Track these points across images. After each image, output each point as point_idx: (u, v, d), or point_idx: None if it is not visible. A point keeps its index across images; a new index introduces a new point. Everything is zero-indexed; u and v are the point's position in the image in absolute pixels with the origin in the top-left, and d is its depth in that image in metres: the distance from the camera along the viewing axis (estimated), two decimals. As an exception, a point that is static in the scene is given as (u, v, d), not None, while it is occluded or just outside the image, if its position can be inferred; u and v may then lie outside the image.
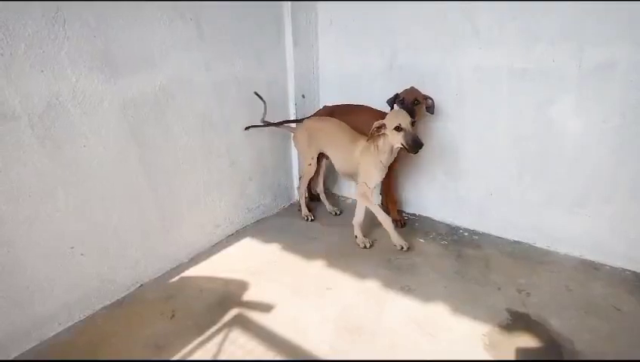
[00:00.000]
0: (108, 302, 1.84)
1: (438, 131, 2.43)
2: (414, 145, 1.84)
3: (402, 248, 2.22)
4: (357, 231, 2.34)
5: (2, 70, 1.37)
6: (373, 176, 2.14)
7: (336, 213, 2.78)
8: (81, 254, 1.70)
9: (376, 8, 2.45)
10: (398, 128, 1.87)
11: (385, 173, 2.17)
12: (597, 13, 1.77)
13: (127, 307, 1.84)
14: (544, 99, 2.01)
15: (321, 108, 2.69)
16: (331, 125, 2.31)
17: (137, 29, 1.76)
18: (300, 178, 2.82)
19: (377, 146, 2.04)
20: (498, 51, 2.08)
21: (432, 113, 2.24)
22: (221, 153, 2.33)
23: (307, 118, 2.56)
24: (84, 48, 1.58)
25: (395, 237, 2.23)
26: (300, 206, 2.78)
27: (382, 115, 2.46)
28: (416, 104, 2.16)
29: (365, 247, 2.29)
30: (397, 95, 2.26)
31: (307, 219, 2.70)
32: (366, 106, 2.55)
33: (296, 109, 2.84)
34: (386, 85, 2.55)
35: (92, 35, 1.59)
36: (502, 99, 2.14)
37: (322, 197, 2.84)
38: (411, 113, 2.04)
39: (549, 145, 2.07)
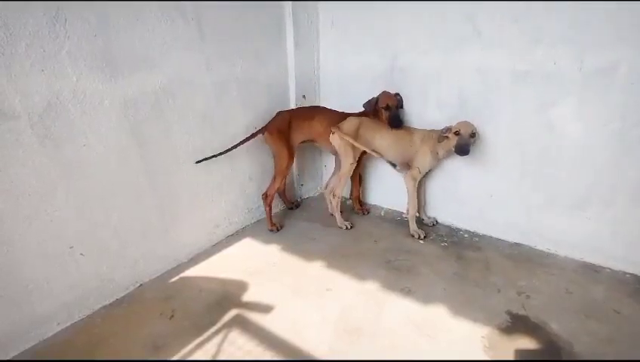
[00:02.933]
0: (107, 302, 1.84)
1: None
2: (459, 150, 2.08)
3: (419, 236, 2.40)
4: (412, 224, 2.46)
5: (3, 69, 1.37)
6: (427, 162, 2.32)
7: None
8: (81, 254, 1.70)
9: (377, 9, 2.45)
10: (457, 133, 2.09)
11: (436, 164, 2.36)
12: (598, 17, 1.77)
13: (127, 307, 1.84)
14: (545, 101, 2.01)
15: (277, 114, 2.49)
16: (382, 124, 2.43)
17: (138, 28, 1.76)
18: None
19: (440, 140, 2.20)
20: (500, 53, 2.08)
21: (402, 107, 2.50)
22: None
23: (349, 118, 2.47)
24: (84, 47, 1.58)
25: (413, 227, 2.44)
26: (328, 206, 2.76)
27: (341, 115, 2.54)
28: (400, 107, 2.46)
29: (419, 238, 2.40)
30: (377, 99, 2.42)
31: (347, 227, 2.55)
32: (323, 107, 2.62)
33: (296, 110, 2.83)
34: (387, 87, 2.54)
35: (93, 35, 1.59)
36: (503, 101, 2.14)
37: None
38: (399, 116, 2.38)
39: (549, 147, 2.06)
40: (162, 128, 1.96)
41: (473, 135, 2.09)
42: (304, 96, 2.82)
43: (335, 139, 2.38)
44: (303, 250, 2.31)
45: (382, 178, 2.85)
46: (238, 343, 1.59)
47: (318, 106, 2.63)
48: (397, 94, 2.45)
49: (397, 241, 2.39)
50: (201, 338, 1.62)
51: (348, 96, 2.74)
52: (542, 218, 2.20)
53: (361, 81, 2.68)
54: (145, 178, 1.92)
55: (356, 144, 2.35)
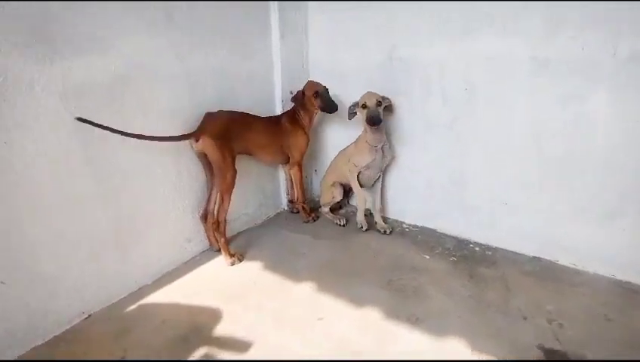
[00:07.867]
0: (40, 342, 1.46)
1: (443, 130, 2.15)
2: (371, 121, 2.08)
3: (361, 227, 2.37)
4: (359, 214, 2.41)
5: None
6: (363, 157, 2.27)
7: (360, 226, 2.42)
8: (1, 282, 1.33)
9: (374, -9, 2.17)
10: (364, 106, 2.10)
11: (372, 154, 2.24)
12: (637, -9, 1.51)
13: (66, 346, 1.46)
14: (571, 93, 1.74)
15: (208, 115, 1.95)
16: (350, 149, 2.37)
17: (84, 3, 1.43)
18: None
19: (351, 118, 2.25)
20: (516, 38, 1.81)
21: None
22: (193, 154, 1.99)
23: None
24: (7, 17, 1.23)
25: (360, 218, 2.39)
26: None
27: (274, 121, 2.29)
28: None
29: (361, 228, 2.37)
30: (303, 90, 2.26)
31: (339, 223, 2.48)
32: (250, 114, 2.15)
33: (283, 107, 2.52)
34: (384, 80, 2.28)
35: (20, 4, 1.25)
36: (520, 93, 1.87)
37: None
38: (332, 100, 2.26)
39: (575, 146, 1.79)
40: (118, 123, 1.59)
41: (379, 104, 2.07)
42: (292, 92, 2.51)
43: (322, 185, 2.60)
44: (289, 267, 1.98)
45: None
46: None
47: (246, 113, 2.13)
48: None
49: (399, 256, 2.08)
50: (157, 389, 1.27)
51: (342, 90, 2.43)
52: (565, 228, 1.91)
53: (356, 73, 2.40)
54: (94, 184, 1.57)
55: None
